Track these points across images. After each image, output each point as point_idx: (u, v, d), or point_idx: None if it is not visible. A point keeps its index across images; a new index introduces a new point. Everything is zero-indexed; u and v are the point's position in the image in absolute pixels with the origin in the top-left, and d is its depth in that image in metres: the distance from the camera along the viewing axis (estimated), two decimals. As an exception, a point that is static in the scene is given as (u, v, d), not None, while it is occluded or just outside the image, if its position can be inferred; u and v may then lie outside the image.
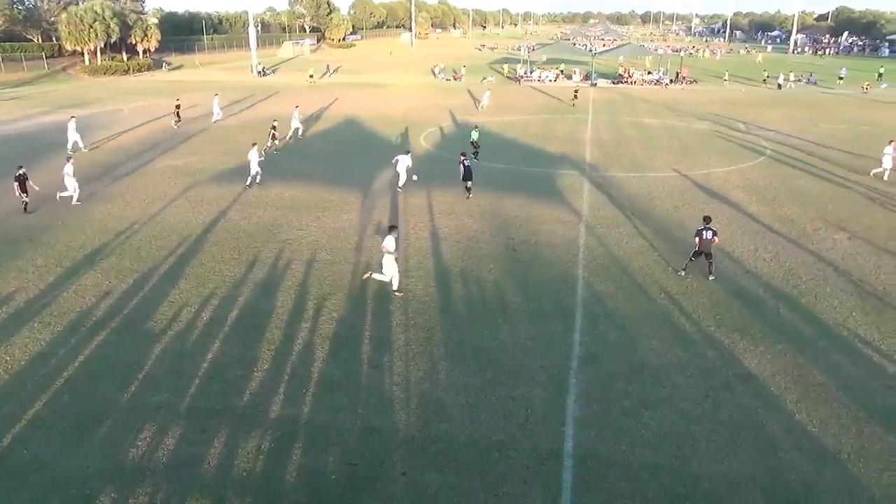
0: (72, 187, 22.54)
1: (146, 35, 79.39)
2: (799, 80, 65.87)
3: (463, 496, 9.07)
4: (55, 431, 10.37)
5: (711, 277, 16.42)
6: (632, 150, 32.37)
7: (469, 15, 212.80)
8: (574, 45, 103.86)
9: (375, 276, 15.42)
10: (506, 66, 75.24)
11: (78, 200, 22.61)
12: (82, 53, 74.11)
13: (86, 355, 12.63)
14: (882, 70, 65.14)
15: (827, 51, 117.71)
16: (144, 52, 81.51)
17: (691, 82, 64.50)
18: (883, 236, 19.54)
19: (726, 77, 65.88)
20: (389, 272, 15.20)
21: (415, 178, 24.83)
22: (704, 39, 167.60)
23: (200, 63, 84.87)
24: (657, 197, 23.78)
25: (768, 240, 19.26)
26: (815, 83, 64.74)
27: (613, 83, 63.92)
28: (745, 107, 47.80)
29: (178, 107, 39.17)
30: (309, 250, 18.25)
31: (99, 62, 74.56)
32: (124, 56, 78.81)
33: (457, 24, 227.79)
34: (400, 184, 24.63)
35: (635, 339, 13.31)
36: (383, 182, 25.76)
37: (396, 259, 15.16)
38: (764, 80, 64.06)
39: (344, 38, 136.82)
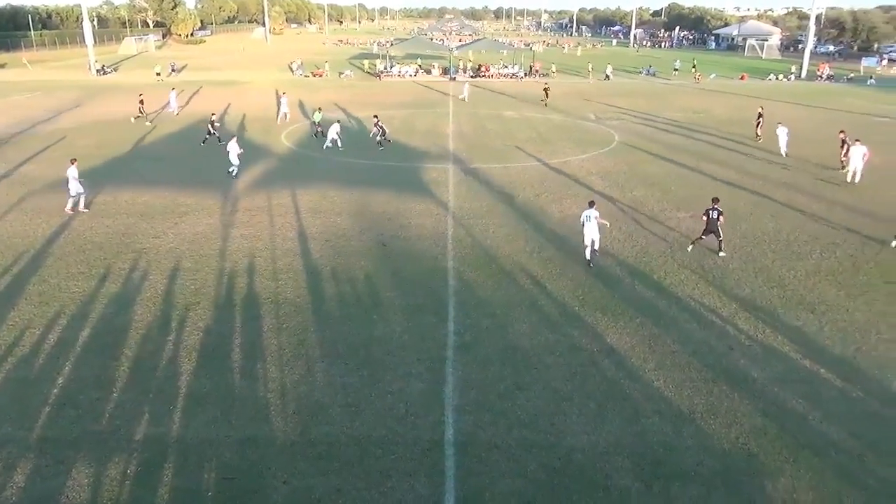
0: (74, 191, 20.86)
1: (-40, 31, 71.25)
2: (640, 72, 71.01)
3: (348, 497, 8.99)
4: None
5: (722, 254, 17.71)
6: (493, 141, 33.38)
7: (325, 10, 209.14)
8: (431, 40, 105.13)
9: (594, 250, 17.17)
10: (366, 62, 74.89)
11: (85, 207, 21.14)
12: None
13: None
14: (695, 61, 72.09)
15: (663, 44, 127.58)
16: (-41, 49, 73.16)
17: (544, 75, 67.45)
18: (719, 213, 21.49)
19: (554, 70, 69.37)
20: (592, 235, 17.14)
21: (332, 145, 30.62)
22: (555, 34, 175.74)
23: (28, 61, 77.32)
24: (519, 186, 24.71)
25: (622, 221, 20.60)
26: (654, 74, 69.93)
27: (472, 77, 65.48)
28: (593, 98, 50.69)
29: (141, 102, 37.71)
30: (167, 259, 17.24)
31: None
32: (-66, 54, 70.32)
33: (312, 19, 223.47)
34: (325, 145, 30.73)
35: (506, 325, 13.78)
36: (244, 183, 24.84)
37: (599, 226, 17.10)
38: (588, 71, 67.56)
39: (192, 34, 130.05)
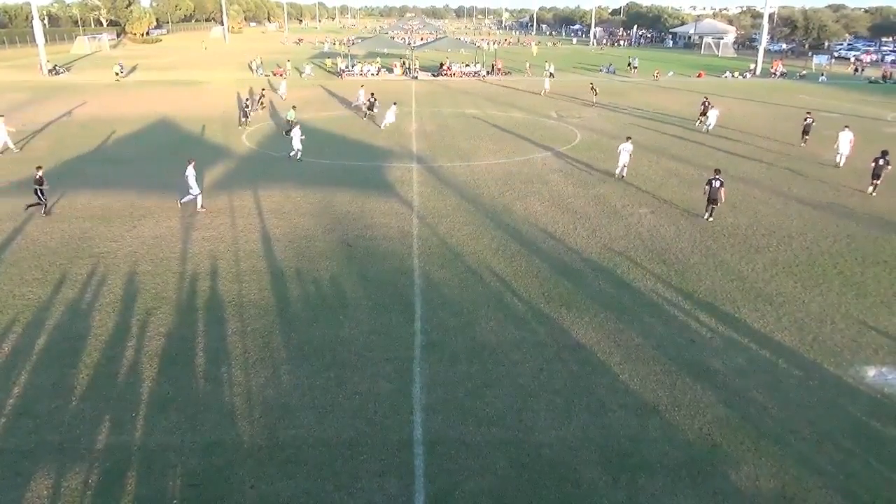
0: (195, 191, 21.06)
1: None
2: (600, 69, 71.87)
3: (316, 500, 8.92)
4: None
5: (710, 219, 20.52)
6: (456, 140, 33.42)
7: (284, 8, 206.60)
8: (393, 38, 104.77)
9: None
10: (327, 61, 74.27)
11: (202, 206, 21.30)
12: None
13: None
14: (630, 59, 73.92)
15: (622, 42, 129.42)
16: None
17: (506, 73, 67.80)
18: (678, 209, 21.92)
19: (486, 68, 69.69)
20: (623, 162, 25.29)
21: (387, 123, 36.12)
22: (517, 33, 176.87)
23: (-25, 61, 74.71)
24: (483, 184, 24.79)
25: (584, 218, 20.83)
26: (614, 72, 70.83)
27: (434, 76, 65.47)
28: (554, 96, 51.10)
29: (262, 96, 42.93)
30: (126, 263, 16.86)
31: None
32: None
33: (272, 18, 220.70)
34: (383, 125, 36.15)
35: (473, 323, 13.82)
36: (204, 185, 24.38)
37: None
38: (526, 70, 67.82)
39: (147, 33, 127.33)
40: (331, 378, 11.74)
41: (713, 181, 20.16)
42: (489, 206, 22.09)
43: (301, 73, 65.07)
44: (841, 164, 27.97)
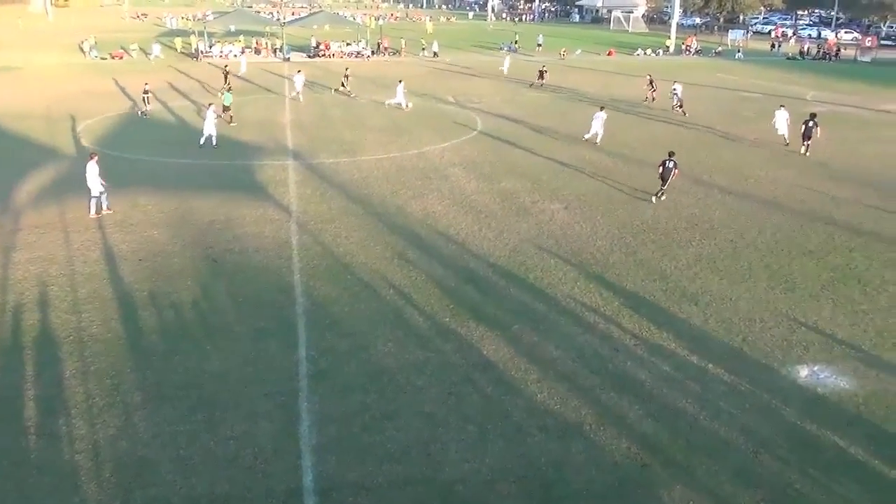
0: (97, 190, 20.74)
1: None
2: (501, 48, 73.69)
3: (186, 571, 8.58)
4: None
5: (662, 198, 22.79)
6: (339, 132, 33.26)
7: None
8: (258, 13, 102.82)
9: None
10: (177, 40, 71.91)
11: (109, 208, 21.16)
12: None
13: None
14: (517, 36, 77.86)
15: (524, 17, 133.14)
16: None
17: (394, 53, 68.14)
18: (594, 203, 22.77)
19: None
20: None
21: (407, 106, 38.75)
22: (401, 6, 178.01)
23: None
24: (373, 182, 24.78)
25: (490, 217, 21.23)
26: (516, 51, 72.73)
27: (309, 57, 64.82)
28: (451, 78, 51.89)
29: (226, 74, 43.43)
30: (-73, 296, 15.63)
31: None
32: None
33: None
34: (387, 102, 39.19)
35: (368, 345, 13.77)
36: (28, 195, 23.00)
37: None
38: (401, 49, 69.94)
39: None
40: (198, 422, 11.34)
41: (667, 162, 22.51)
42: (381, 207, 22.09)
43: (148, 55, 62.68)
44: (789, 142, 30.62)
